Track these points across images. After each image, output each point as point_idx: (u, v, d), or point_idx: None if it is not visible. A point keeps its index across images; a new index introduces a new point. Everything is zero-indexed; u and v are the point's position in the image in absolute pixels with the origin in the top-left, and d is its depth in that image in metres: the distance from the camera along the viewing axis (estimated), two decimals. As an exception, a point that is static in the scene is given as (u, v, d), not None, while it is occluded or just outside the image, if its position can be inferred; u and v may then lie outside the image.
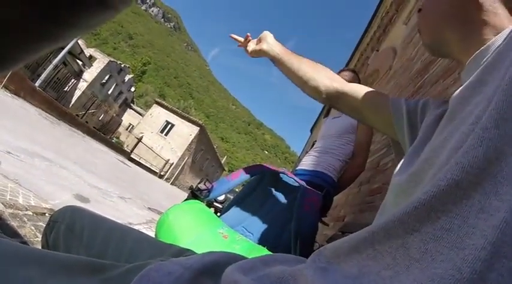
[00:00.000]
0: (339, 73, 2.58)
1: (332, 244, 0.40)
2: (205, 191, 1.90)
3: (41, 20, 0.27)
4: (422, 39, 0.67)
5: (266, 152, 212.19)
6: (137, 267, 0.41)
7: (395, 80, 3.68)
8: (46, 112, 13.54)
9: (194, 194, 1.87)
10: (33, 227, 1.91)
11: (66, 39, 0.31)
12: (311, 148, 2.56)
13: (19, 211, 2.02)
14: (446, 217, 0.29)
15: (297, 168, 2.41)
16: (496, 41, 0.45)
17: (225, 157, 71.91)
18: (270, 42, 1.24)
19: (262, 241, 1.85)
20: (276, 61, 1.20)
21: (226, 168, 55.37)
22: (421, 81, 2.59)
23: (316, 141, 2.58)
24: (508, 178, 0.27)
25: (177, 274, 0.38)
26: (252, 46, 1.33)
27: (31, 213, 2.11)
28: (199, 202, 1.73)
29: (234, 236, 1.49)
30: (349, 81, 2.47)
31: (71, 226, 0.66)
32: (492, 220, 0.26)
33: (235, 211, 2.07)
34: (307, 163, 2.38)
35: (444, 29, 0.59)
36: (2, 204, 1.97)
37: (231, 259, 0.46)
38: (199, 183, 2.09)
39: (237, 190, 2.59)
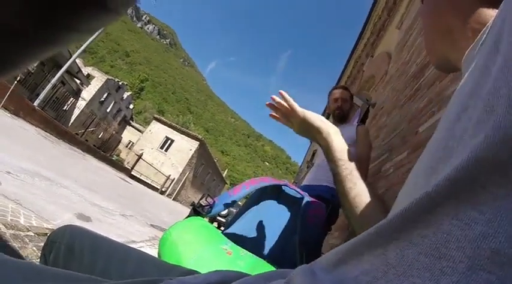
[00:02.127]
0: (331, 92, 2.68)
1: (326, 254, 0.41)
2: (207, 207, 1.87)
3: (41, 24, 0.27)
4: (431, 63, 0.67)
5: (267, 163, 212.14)
6: (145, 282, 0.41)
7: (392, 85, 3.70)
8: (45, 131, 13.59)
9: (196, 210, 1.85)
10: (35, 248, 1.89)
11: (67, 43, 0.31)
12: (311, 158, 2.58)
13: (21, 232, 2.01)
14: (422, 224, 0.30)
15: (301, 185, 2.42)
16: (483, 33, 0.44)
17: (226, 170, 71.96)
18: (325, 121, 0.95)
19: (267, 255, 1.84)
20: (327, 153, 0.91)
21: (227, 181, 55.34)
22: (417, 84, 2.60)
23: (316, 150, 2.58)
24: (483, 186, 0.27)
25: None
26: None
27: (33, 234, 2.09)
28: (202, 218, 1.72)
29: (238, 252, 1.46)
30: (341, 98, 2.55)
31: (70, 246, 0.65)
32: (469, 232, 0.26)
33: (238, 225, 2.05)
34: (310, 178, 2.39)
35: (440, 46, 0.60)
36: (3, 224, 1.95)
37: (236, 278, 0.46)
38: (200, 199, 2.06)
39: (240, 203, 2.59)
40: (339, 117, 2.55)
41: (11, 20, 0.26)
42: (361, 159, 2.30)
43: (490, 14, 0.49)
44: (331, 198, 2.27)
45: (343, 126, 2.50)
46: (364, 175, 2.30)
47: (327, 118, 2.73)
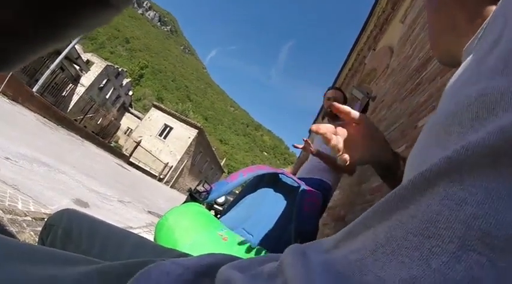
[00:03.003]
0: (326, 92, 2.85)
1: (321, 240, 0.42)
2: (204, 193, 1.88)
3: (43, 20, 0.27)
4: (435, 57, 0.67)
5: (265, 153, 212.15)
6: (136, 263, 0.41)
7: (393, 78, 3.68)
8: (44, 117, 13.58)
9: (193, 196, 1.85)
10: (32, 233, 1.91)
11: (68, 39, 0.31)
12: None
13: (18, 217, 2.02)
14: (413, 205, 0.30)
15: (302, 175, 2.46)
16: (482, 28, 0.45)
17: (224, 159, 72.05)
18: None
19: (263, 242, 1.85)
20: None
21: (225, 170, 55.41)
22: (419, 79, 2.59)
23: (312, 138, 2.62)
24: (475, 168, 0.27)
25: (176, 273, 0.38)
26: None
27: (30, 219, 2.11)
28: (198, 204, 1.73)
29: (234, 238, 1.49)
30: (333, 97, 2.65)
31: (68, 230, 0.65)
32: (459, 213, 0.26)
33: (234, 212, 2.07)
34: (305, 171, 2.45)
35: (444, 41, 0.60)
36: (1, 209, 1.96)
37: (229, 261, 0.46)
38: (197, 185, 2.07)
39: (236, 191, 2.60)
40: (331, 114, 2.67)
41: (14, 17, 0.26)
42: None
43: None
44: (323, 191, 2.28)
45: (334, 123, 2.52)
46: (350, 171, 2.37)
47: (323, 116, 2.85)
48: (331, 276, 0.32)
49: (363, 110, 4.67)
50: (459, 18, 0.54)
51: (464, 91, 0.35)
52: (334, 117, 2.66)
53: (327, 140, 0.81)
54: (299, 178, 2.33)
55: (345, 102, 2.75)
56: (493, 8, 0.50)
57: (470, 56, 0.42)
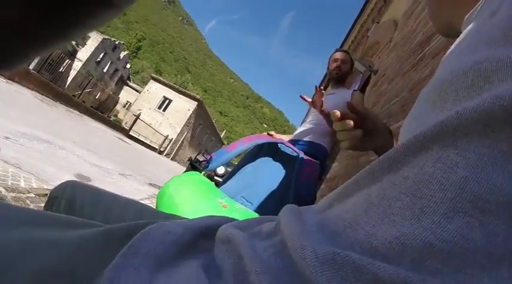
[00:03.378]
0: (332, 54, 2.65)
1: (318, 202, 0.43)
2: (204, 162, 1.91)
3: (45, 20, 0.27)
4: (434, 28, 0.67)
5: (265, 125, 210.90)
6: (138, 225, 0.41)
7: (396, 52, 3.62)
8: (42, 94, 13.45)
9: (193, 166, 1.88)
10: (36, 209, 1.97)
11: (71, 38, 0.31)
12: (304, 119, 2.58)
13: (21, 195, 2.06)
14: (406, 167, 0.31)
15: (295, 138, 2.41)
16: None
17: (224, 131, 71.92)
18: None
19: (262, 210, 1.87)
20: None
21: (225, 142, 55.31)
22: (421, 54, 2.56)
23: (309, 108, 2.58)
24: (468, 133, 0.28)
25: (178, 233, 0.39)
26: None
27: (33, 195, 2.15)
28: (199, 173, 1.76)
29: (234, 206, 1.52)
30: (341, 59, 2.50)
31: (71, 201, 0.64)
32: (451, 175, 0.27)
33: (234, 181, 2.10)
34: (304, 133, 2.38)
35: (445, 12, 0.59)
36: (4, 188, 2.00)
37: (230, 222, 0.47)
38: (198, 155, 2.08)
39: (235, 163, 2.63)
40: (337, 77, 2.54)
41: (17, 17, 0.26)
42: None
43: None
44: (321, 154, 2.30)
45: (338, 89, 2.50)
46: None
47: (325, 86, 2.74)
48: (325, 234, 0.33)
49: (365, 83, 4.64)
50: None
51: (461, 60, 0.36)
52: (339, 81, 2.56)
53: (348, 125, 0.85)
54: (297, 140, 2.34)
55: (351, 67, 2.66)
56: None
57: (470, 26, 0.42)
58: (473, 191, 0.26)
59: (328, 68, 2.63)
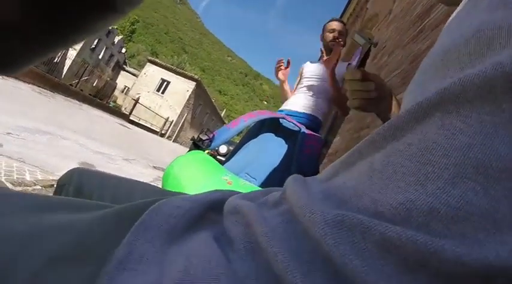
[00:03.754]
0: (327, 23, 2.50)
1: (322, 171, 0.44)
2: (207, 140, 1.93)
3: (49, 24, 0.27)
4: None
5: (265, 102, 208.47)
6: (147, 203, 0.41)
7: (396, 24, 3.63)
8: (39, 86, 13.39)
9: (196, 145, 1.91)
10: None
11: (73, 43, 0.31)
12: (298, 81, 2.52)
13: (28, 188, 2.11)
14: (410, 134, 0.31)
15: (290, 108, 2.33)
16: None
17: (224, 110, 71.48)
18: None
19: (266, 185, 1.89)
20: None
21: (226, 121, 55.09)
22: (421, 25, 2.57)
23: (300, 78, 2.52)
24: (471, 100, 0.28)
25: (186, 207, 0.39)
26: None
27: (40, 187, 2.20)
28: (202, 152, 1.78)
29: (238, 182, 1.53)
30: (338, 30, 2.37)
31: (78, 187, 0.64)
32: (455, 141, 0.27)
33: (237, 158, 2.12)
34: (300, 104, 2.32)
35: None
36: (10, 183, 2.04)
37: (237, 194, 0.48)
38: (200, 134, 2.11)
39: (237, 141, 2.64)
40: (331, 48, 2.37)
41: (20, 21, 0.26)
42: (345, 95, 2.28)
43: None
44: (318, 127, 2.28)
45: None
46: (343, 110, 2.27)
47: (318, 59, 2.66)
48: (331, 201, 0.33)
49: (365, 56, 4.53)
50: None
51: (462, 27, 0.36)
52: (338, 44, 2.36)
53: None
54: (296, 112, 2.30)
55: (345, 38, 2.49)
56: None
57: None
58: (476, 157, 0.26)
59: (322, 37, 2.49)
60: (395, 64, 2.88)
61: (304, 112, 2.26)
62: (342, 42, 2.33)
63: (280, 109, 2.45)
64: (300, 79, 2.47)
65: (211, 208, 0.42)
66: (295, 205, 0.33)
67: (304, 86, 2.39)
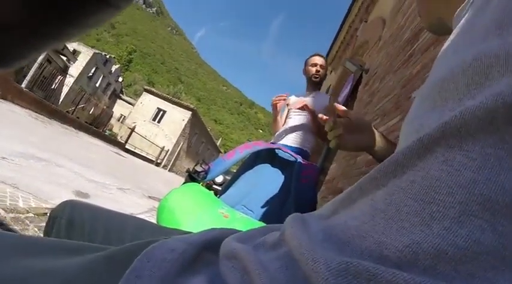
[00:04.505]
0: (309, 58, 2.66)
1: (321, 207, 0.42)
2: (203, 173, 1.91)
3: (41, 19, 0.27)
4: (423, 25, 0.66)
5: (260, 131, 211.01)
6: (140, 245, 0.41)
7: (386, 50, 3.67)
8: (36, 112, 13.43)
9: (192, 177, 1.87)
10: (36, 229, 1.94)
11: (67, 37, 0.31)
12: (286, 114, 2.59)
13: (20, 215, 2.04)
14: (412, 171, 0.30)
15: (281, 142, 2.37)
16: None
17: (220, 139, 71.91)
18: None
19: (263, 217, 1.87)
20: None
21: (222, 150, 55.37)
22: (411, 50, 2.58)
23: (289, 107, 2.60)
24: (473, 133, 0.28)
25: (180, 250, 0.38)
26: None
27: (32, 215, 2.13)
28: (198, 184, 1.75)
29: (235, 215, 1.50)
30: (320, 65, 2.53)
31: (71, 220, 0.64)
32: (459, 178, 0.27)
33: (233, 190, 2.09)
34: (289, 138, 2.38)
35: (434, 7, 0.59)
36: (3, 209, 1.98)
37: (233, 233, 0.47)
38: (195, 166, 2.09)
39: (233, 171, 2.63)
40: (316, 82, 2.57)
41: (14, 14, 0.26)
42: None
43: None
44: (305, 159, 2.30)
45: (316, 93, 2.55)
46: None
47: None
48: (333, 243, 0.32)
49: (357, 83, 4.65)
50: None
51: (458, 57, 0.35)
52: (317, 85, 2.60)
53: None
54: (290, 147, 2.33)
55: (326, 72, 2.69)
56: None
57: (463, 20, 0.41)
58: (482, 193, 0.25)
59: (304, 70, 2.65)
60: (387, 89, 2.90)
61: (292, 146, 2.31)
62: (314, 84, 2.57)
63: (272, 141, 2.50)
64: (288, 112, 2.56)
65: (206, 248, 0.42)
66: (296, 250, 0.32)
67: (292, 119, 2.47)
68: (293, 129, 2.40)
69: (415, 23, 2.73)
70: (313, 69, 2.54)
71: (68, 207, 0.68)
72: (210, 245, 0.42)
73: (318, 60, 2.58)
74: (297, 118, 2.43)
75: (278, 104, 2.48)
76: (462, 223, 0.25)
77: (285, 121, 2.56)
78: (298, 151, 2.27)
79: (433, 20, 0.61)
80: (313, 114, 2.28)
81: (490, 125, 0.27)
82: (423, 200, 0.28)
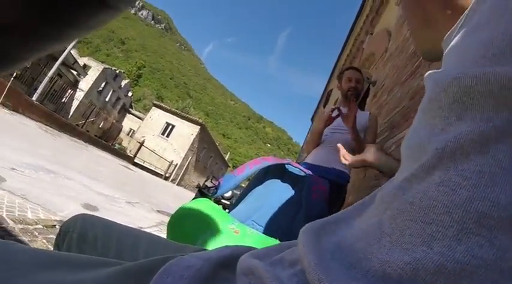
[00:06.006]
0: (343, 72, 2.57)
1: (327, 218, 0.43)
2: (213, 188, 1.88)
3: (41, 21, 0.27)
4: (419, 54, 0.68)
5: (269, 145, 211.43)
6: (156, 261, 0.42)
7: (392, 62, 3.66)
8: (46, 125, 13.59)
9: (202, 192, 1.85)
10: (44, 240, 1.92)
11: (68, 39, 0.31)
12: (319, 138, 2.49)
13: (29, 226, 2.03)
14: (411, 193, 0.31)
15: (318, 164, 2.34)
16: (463, 17, 0.43)
17: (228, 153, 72.01)
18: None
19: (273, 232, 1.84)
20: None
21: (230, 164, 55.45)
22: (418, 62, 2.57)
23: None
24: (467, 155, 0.28)
25: (197, 266, 0.39)
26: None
27: (41, 226, 2.12)
28: (208, 199, 1.73)
29: (245, 231, 1.50)
30: (355, 78, 2.44)
31: (83, 235, 0.65)
32: (455, 197, 0.27)
33: (243, 205, 2.06)
34: (326, 159, 2.33)
35: (424, 36, 0.59)
36: (12, 220, 1.98)
37: (246, 251, 0.46)
38: (206, 181, 2.08)
39: (243, 185, 2.62)
40: (351, 97, 2.41)
41: (15, 16, 0.26)
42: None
43: None
44: (345, 181, 2.29)
45: (344, 108, 2.44)
46: None
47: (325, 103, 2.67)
48: (340, 264, 0.33)
49: (364, 96, 4.65)
50: (435, 11, 0.54)
51: (441, 75, 0.35)
52: (352, 100, 2.40)
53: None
54: (316, 165, 2.31)
55: (363, 85, 2.57)
56: None
57: (452, 42, 0.41)
58: (477, 210, 0.26)
59: (340, 85, 2.54)
60: (395, 101, 2.89)
61: (333, 168, 2.27)
62: (353, 98, 2.35)
63: (306, 161, 2.45)
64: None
65: (222, 266, 0.42)
66: (307, 268, 0.33)
67: (329, 138, 2.41)
68: (330, 150, 2.33)
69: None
70: (349, 84, 2.45)
71: (79, 220, 0.68)
72: (226, 262, 0.43)
73: (353, 74, 2.50)
74: (334, 137, 2.37)
75: (330, 120, 2.29)
76: (461, 241, 0.26)
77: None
78: (337, 172, 2.24)
79: (427, 48, 0.62)
80: (355, 132, 2.15)
81: (483, 146, 0.28)
82: (423, 221, 0.28)
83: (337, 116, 2.24)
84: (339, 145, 1.82)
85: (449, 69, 0.35)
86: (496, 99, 0.28)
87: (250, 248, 0.50)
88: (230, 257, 0.44)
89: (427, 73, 0.42)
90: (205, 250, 0.61)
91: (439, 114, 0.33)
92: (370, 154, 1.48)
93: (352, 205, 0.41)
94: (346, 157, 1.76)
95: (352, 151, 2.29)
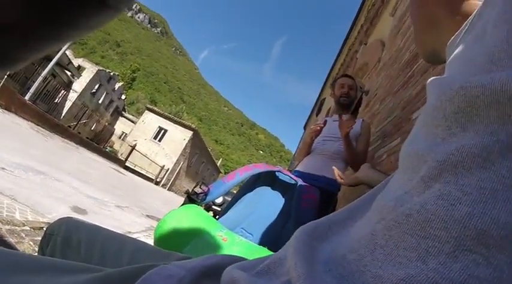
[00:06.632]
0: (336, 80, 2.63)
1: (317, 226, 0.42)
2: (202, 194, 1.89)
3: (41, 21, 0.27)
4: (420, 55, 0.67)
5: (261, 152, 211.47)
6: (138, 269, 0.41)
7: (385, 72, 3.70)
8: (38, 125, 13.47)
9: (191, 198, 1.85)
10: (31, 243, 1.90)
11: (67, 40, 0.31)
12: (309, 148, 2.50)
13: (16, 227, 2.01)
14: (408, 205, 0.30)
15: (309, 172, 2.35)
16: (468, 22, 0.44)
17: (220, 159, 71.84)
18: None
19: (263, 241, 1.85)
20: None
21: (222, 170, 55.25)
22: (410, 72, 2.60)
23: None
24: (468, 168, 0.28)
25: (179, 276, 0.38)
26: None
27: (29, 228, 2.10)
28: (197, 206, 1.72)
29: (234, 238, 1.49)
30: (348, 85, 2.49)
31: (67, 239, 0.65)
32: (454, 212, 0.27)
33: (233, 213, 2.06)
34: (318, 167, 2.34)
35: (428, 38, 0.59)
36: (-1, 221, 1.95)
37: (232, 261, 0.46)
38: (195, 187, 2.07)
39: (234, 191, 2.61)
40: (344, 104, 2.50)
41: (14, 16, 0.26)
42: (359, 153, 2.29)
43: (476, 4, 0.49)
44: (336, 190, 2.31)
45: (347, 116, 2.44)
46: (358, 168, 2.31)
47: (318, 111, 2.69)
48: (333, 277, 0.32)
49: (357, 104, 4.68)
50: (440, 12, 0.54)
51: (446, 84, 0.35)
52: (346, 107, 2.53)
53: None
54: (306, 173, 2.31)
55: (356, 92, 2.63)
56: (473, 2, 0.50)
57: (456, 51, 0.42)
58: (476, 227, 0.26)
59: (333, 93, 2.58)
60: (387, 111, 2.92)
61: (324, 176, 2.27)
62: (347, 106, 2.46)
63: (297, 169, 2.46)
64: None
65: (205, 276, 0.42)
66: (295, 281, 0.32)
67: (321, 146, 2.42)
68: (322, 157, 2.36)
69: (414, 45, 2.75)
70: (341, 91, 2.50)
71: (64, 224, 0.69)
72: (210, 272, 0.42)
73: (346, 80, 2.55)
74: (327, 145, 2.39)
75: (316, 133, 2.32)
76: (457, 258, 0.25)
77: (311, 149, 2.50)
78: (328, 181, 2.23)
79: (428, 50, 0.61)
80: (347, 140, 2.18)
81: (486, 161, 0.27)
82: (419, 235, 0.28)
83: (325, 125, 2.27)
84: (334, 167, 1.86)
85: (455, 76, 0.35)
86: (502, 110, 0.28)
87: (237, 258, 0.50)
88: (215, 267, 0.43)
89: (430, 80, 0.42)
90: (190, 258, 0.60)
91: (442, 123, 0.32)
92: (362, 172, 1.53)
93: (345, 207, 0.41)
94: (341, 176, 1.79)
95: (345, 162, 2.31)
